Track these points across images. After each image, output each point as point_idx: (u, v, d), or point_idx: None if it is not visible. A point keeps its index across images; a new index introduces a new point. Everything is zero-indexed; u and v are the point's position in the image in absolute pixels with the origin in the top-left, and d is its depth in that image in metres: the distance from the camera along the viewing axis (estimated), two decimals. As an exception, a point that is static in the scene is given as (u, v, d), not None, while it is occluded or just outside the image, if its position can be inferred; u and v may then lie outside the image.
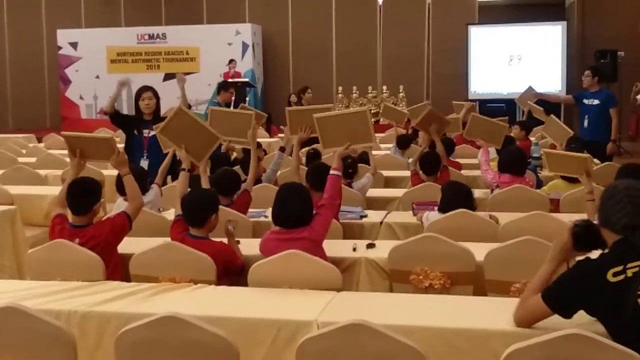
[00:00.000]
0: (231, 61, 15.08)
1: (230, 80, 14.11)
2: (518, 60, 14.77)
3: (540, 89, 11.16)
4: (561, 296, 2.59)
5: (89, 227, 3.98)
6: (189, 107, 6.38)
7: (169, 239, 3.95)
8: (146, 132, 6.35)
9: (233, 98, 12.90)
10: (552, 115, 7.94)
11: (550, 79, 14.47)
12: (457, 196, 4.57)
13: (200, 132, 4.64)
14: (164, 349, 2.55)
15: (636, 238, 2.46)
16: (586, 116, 8.54)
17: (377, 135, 9.85)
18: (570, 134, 7.16)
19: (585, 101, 8.56)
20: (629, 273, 2.42)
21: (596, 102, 8.45)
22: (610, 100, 8.57)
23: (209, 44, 15.56)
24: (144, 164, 6.21)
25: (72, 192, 4.03)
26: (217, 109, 6.39)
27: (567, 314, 2.61)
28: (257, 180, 6.02)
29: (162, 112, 6.54)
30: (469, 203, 4.59)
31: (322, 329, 2.62)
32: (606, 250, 2.61)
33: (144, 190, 4.95)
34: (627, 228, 2.50)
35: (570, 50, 14.72)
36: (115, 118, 6.60)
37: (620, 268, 2.44)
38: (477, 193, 5.89)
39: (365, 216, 5.12)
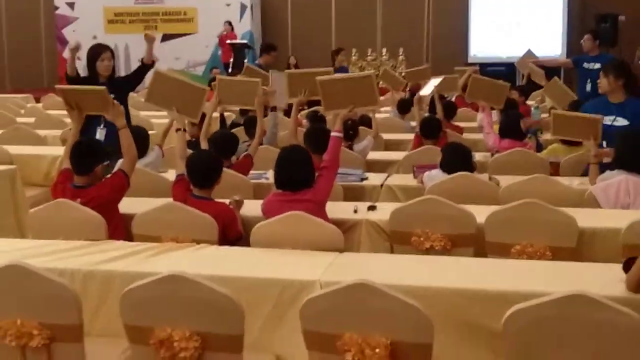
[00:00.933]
0: (227, 22, 14.93)
1: (228, 41, 14.02)
2: (518, 24, 14.66)
3: (540, 52, 11.07)
4: None
5: (91, 188, 3.98)
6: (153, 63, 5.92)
7: (170, 199, 3.95)
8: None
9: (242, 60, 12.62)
10: (555, 78, 7.91)
11: (550, 42, 14.39)
12: (457, 156, 4.61)
13: (186, 89, 4.61)
14: (169, 307, 2.57)
15: None
16: (588, 80, 8.47)
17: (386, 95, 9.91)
18: (572, 97, 7.14)
19: (586, 65, 8.48)
20: None
21: (597, 65, 8.36)
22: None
23: (206, 4, 15.43)
24: (101, 133, 5.47)
25: (75, 152, 4.03)
26: (223, 77, 6.19)
27: None
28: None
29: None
30: (469, 163, 4.62)
31: (325, 289, 2.64)
32: None
33: (145, 150, 4.95)
34: None
35: (571, 14, 14.62)
36: (74, 82, 5.47)
37: None
38: (478, 156, 5.90)
39: (366, 179, 5.12)
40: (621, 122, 5.02)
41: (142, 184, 4.44)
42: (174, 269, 2.61)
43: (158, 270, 2.71)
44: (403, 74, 11.00)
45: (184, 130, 4.46)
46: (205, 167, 3.94)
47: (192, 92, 4.62)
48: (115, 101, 4.21)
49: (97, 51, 5.69)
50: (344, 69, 10.31)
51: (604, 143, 4.85)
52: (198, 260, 3.30)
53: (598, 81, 5.19)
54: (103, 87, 4.31)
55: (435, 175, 4.62)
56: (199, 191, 3.91)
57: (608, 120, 4.97)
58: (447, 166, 4.60)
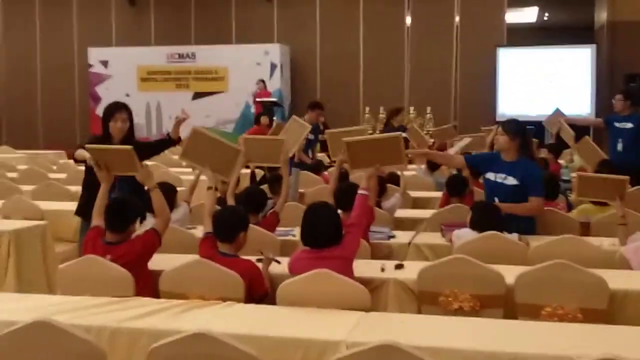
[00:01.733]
0: (261, 81, 15.17)
1: (258, 99, 14.23)
2: (547, 82, 14.70)
3: (569, 111, 11.05)
4: None
5: (122, 245, 4.01)
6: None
7: (197, 256, 3.97)
8: None
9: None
10: (586, 137, 7.87)
11: (579, 101, 14.39)
12: (487, 215, 4.60)
13: (221, 148, 4.66)
14: (194, 366, 2.56)
15: None
16: (619, 140, 8.40)
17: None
18: (603, 157, 7.09)
19: (617, 124, 8.43)
20: None
21: (629, 125, 8.31)
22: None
23: (237, 63, 15.71)
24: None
25: (111, 210, 4.07)
26: (249, 137, 6.13)
27: None
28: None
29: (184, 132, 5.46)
30: (499, 222, 4.58)
31: (351, 349, 2.61)
32: None
33: (173, 206, 4.99)
34: None
35: (600, 74, 14.64)
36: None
37: None
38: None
39: (394, 237, 5.10)
40: (511, 181, 5.07)
41: (170, 240, 4.45)
42: (200, 327, 2.61)
43: (184, 328, 2.71)
44: (430, 132, 11.04)
45: (215, 188, 4.49)
46: (229, 222, 3.96)
47: (227, 151, 4.69)
48: (144, 162, 4.25)
49: (111, 111, 5.11)
50: (402, 128, 10.39)
51: (496, 199, 4.98)
52: (224, 318, 3.29)
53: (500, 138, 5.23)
54: (130, 147, 4.30)
55: (464, 234, 4.59)
56: (225, 247, 3.92)
57: (499, 178, 5.10)
58: (477, 225, 4.57)
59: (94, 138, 5.14)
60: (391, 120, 10.71)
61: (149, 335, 3.07)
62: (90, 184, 4.72)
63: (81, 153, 4.69)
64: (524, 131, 5.27)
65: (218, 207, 4.39)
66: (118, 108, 5.12)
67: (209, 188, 4.43)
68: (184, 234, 4.76)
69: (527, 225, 5.00)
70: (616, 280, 3.66)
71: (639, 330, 2.97)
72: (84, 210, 4.84)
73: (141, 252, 4.01)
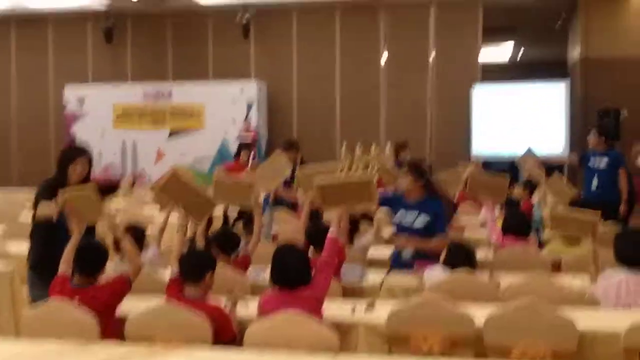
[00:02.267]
0: (246, 118, 15.18)
1: (240, 141, 14.22)
2: (520, 120, 14.83)
3: (543, 148, 11.18)
4: None
5: (90, 287, 3.96)
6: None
7: (164, 299, 3.91)
8: None
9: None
10: (556, 173, 7.93)
11: (553, 137, 14.52)
12: (461, 253, 4.62)
13: (198, 195, 4.62)
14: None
15: None
16: (595, 176, 8.44)
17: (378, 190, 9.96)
18: (573, 193, 7.13)
19: (592, 161, 8.48)
20: None
21: (604, 161, 8.37)
22: (619, 160, 8.49)
23: (214, 100, 15.72)
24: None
25: (83, 254, 4.02)
26: (220, 180, 6.03)
27: None
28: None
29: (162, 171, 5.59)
30: (472, 261, 4.59)
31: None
32: None
33: (141, 247, 4.94)
34: None
35: (573, 109, 14.80)
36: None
37: None
38: (480, 253, 5.86)
39: (366, 275, 5.07)
40: (418, 220, 5.35)
41: (137, 281, 4.39)
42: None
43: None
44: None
45: (186, 229, 4.43)
46: (195, 262, 3.91)
47: (203, 200, 4.63)
48: (109, 212, 4.17)
49: (72, 155, 4.85)
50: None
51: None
52: (189, 364, 3.24)
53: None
54: (92, 184, 4.22)
55: (435, 272, 4.58)
56: (192, 290, 3.86)
57: (408, 216, 5.40)
58: (450, 263, 4.58)
59: (48, 183, 4.84)
60: (398, 156, 10.81)
61: (112, 382, 3.01)
62: (49, 239, 4.48)
63: (45, 211, 4.38)
64: (424, 172, 5.69)
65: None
66: (80, 152, 4.88)
67: (179, 230, 4.36)
68: (151, 276, 4.69)
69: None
70: (586, 320, 3.66)
71: (608, 371, 2.94)
72: (39, 266, 4.62)
73: (110, 298, 3.95)
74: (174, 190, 4.59)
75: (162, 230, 5.54)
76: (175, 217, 4.77)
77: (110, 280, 4.07)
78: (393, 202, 5.65)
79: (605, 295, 4.14)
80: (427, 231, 5.31)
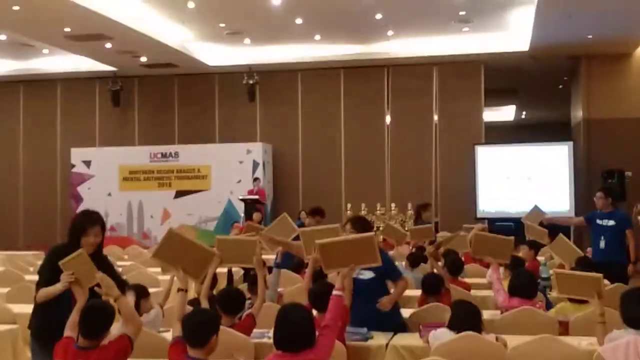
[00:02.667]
0: (255, 179, 15.30)
1: (240, 197, 14.28)
2: (526, 179, 14.89)
3: (548, 208, 11.15)
4: None
5: (94, 350, 3.92)
6: None
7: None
8: None
9: (242, 215, 13.07)
10: (560, 234, 7.91)
11: (558, 198, 14.54)
12: (466, 314, 4.54)
13: (195, 251, 4.60)
14: None
15: None
16: (602, 237, 8.44)
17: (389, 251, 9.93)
18: (579, 254, 7.10)
19: (599, 222, 8.49)
20: None
21: (611, 222, 8.37)
22: (626, 221, 8.51)
23: (220, 162, 15.87)
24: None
25: (87, 315, 3.98)
26: (222, 237, 6.04)
27: None
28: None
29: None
30: (477, 322, 4.52)
31: None
32: None
33: (143, 309, 4.91)
34: None
35: (577, 170, 14.87)
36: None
37: None
38: (486, 314, 5.80)
39: (371, 337, 5.01)
40: (368, 274, 5.20)
41: (140, 344, 4.34)
42: None
43: None
44: (407, 229, 11.11)
45: (186, 290, 4.41)
46: (200, 325, 3.86)
47: (201, 253, 4.62)
48: (101, 273, 4.10)
49: (83, 226, 4.58)
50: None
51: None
52: None
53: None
54: (80, 251, 4.17)
55: (441, 335, 4.52)
56: (195, 352, 3.81)
57: (361, 274, 5.18)
58: (455, 324, 4.51)
59: (59, 251, 4.55)
60: (421, 216, 10.83)
61: None
62: (51, 305, 4.37)
63: (48, 293, 4.34)
64: (370, 227, 5.58)
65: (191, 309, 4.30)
66: (92, 222, 4.61)
67: (180, 290, 4.33)
68: (154, 338, 4.64)
69: (396, 320, 5.30)
70: (594, 382, 3.60)
71: None
72: (41, 331, 4.52)
73: (115, 358, 3.90)
74: (172, 250, 4.55)
75: (167, 292, 5.51)
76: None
77: (113, 340, 4.02)
78: None
79: (614, 357, 4.07)
80: (379, 285, 5.28)
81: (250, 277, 6.28)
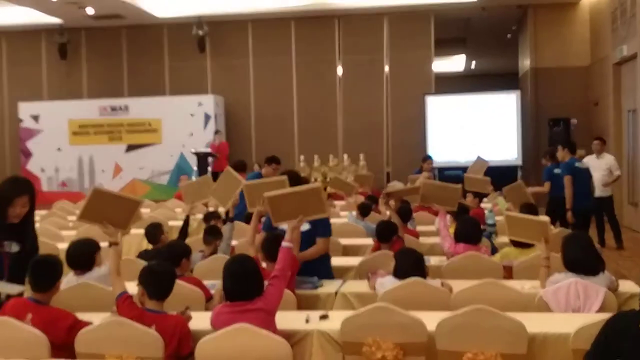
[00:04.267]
0: (217, 132, 15.17)
1: (192, 151, 14.17)
2: (474, 129, 15.07)
3: (496, 156, 11.42)
4: (601, 354, 2.58)
5: (47, 307, 3.90)
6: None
7: (115, 316, 3.86)
8: (8, 246, 4.32)
9: (195, 168, 12.99)
10: (520, 181, 8.19)
11: (506, 146, 14.78)
12: (409, 262, 4.62)
13: (120, 203, 4.50)
14: None
15: None
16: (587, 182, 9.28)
17: (337, 202, 10.04)
18: (529, 201, 7.27)
19: (556, 171, 9.21)
20: None
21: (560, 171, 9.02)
22: (563, 169, 9.14)
23: (171, 115, 15.67)
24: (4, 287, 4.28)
25: (35, 270, 3.96)
26: (250, 183, 5.83)
27: None
28: (215, 252, 6.02)
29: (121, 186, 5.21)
30: (421, 269, 4.62)
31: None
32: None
33: (91, 265, 4.87)
34: None
35: (525, 118, 15.09)
36: None
37: None
38: (434, 260, 5.93)
39: (321, 286, 5.08)
40: (304, 227, 5.05)
41: (91, 298, 4.36)
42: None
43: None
44: (351, 179, 11.30)
45: (117, 243, 4.33)
46: (163, 278, 3.88)
47: (127, 204, 4.50)
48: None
49: (9, 196, 4.27)
50: (419, 172, 10.75)
51: None
52: (140, 379, 3.21)
53: None
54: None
55: (386, 282, 4.61)
56: (153, 304, 3.83)
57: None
58: (399, 272, 4.60)
59: None
60: (422, 168, 10.93)
61: (61, 399, 2.97)
62: None
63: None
64: (304, 181, 5.69)
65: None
66: (18, 191, 4.31)
67: (112, 244, 4.23)
68: (104, 292, 4.61)
69: (325, 270, 5.34)
70: (535, 323, 3.71)
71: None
72: None
73: (65, 335, 3.82)
74: (97, 208, 4.41)
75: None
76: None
77: (73, 321, 3.94)
78: None
79: (556, 299, 4.21)
80: (311, 237, 5.27)
81: (206, 228, 6.30)
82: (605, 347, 2.58)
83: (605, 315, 2.76)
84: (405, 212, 7.06)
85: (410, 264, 4.59)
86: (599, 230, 10.06)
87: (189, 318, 3.97)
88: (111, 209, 4.36)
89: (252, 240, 5.28)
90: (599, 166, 10.17)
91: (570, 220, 8.87)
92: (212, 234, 6.12)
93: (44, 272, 3.98)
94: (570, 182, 9.05)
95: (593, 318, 3.55)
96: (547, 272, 4.62)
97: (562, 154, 9.42)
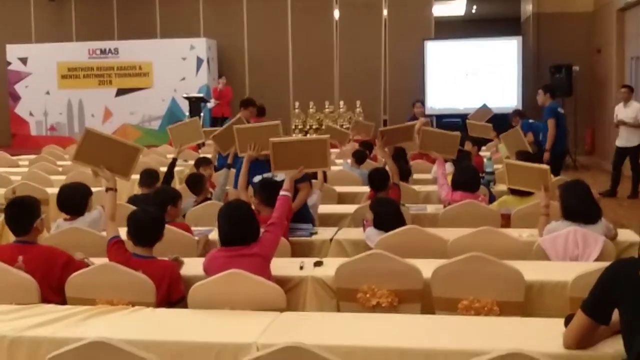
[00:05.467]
0: (221, 76, 15.00)
1: (184, 95, 13.98)
2: (474, 75, 14.87)
3: (496, 104, 11.28)
4: (599, 301, 2.54)
5: (37, 246, 3.83)
6: None
7: (106, 260, 3.79)
8: None
9: (187, 114, 12.81)
10: (517, 127, 8.09)
11: (506, 93, 14.61)
12: (388, 212, 4.63)
13: (118, 148, 4.39)
14: (92, 376, 2.43)
15: None
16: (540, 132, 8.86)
17: (331, 150, 9.96)
18: (525, 148, 7.17)
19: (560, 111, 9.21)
20: None
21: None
22: (546, 113, 9.08)
23: (162, 58, 15.42)
24: None
25: (9, 213, 3.89)
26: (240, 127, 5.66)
27: (607, 319, 2.58)
28: (207, 198, 5.94)
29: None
30: (400, 218, 4.61)
31: (259, 352, 2.52)
32: None
33: (82, 209, 4.80)
34: None
35: (526, 65, 14.89)
36: None
37: None
38: (430, 208, 5.88)
39: (316, 233, 5.02)
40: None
41: (81, 243, 4.29)
42: (104, 334, 2.48)
43: (87, 336, 2.57)
44: (347, 127, 11.25)
45: (115, 189, 4.24)
46: (147, 224, 3.80)
47: (125, 150, 4.40)
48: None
49: None
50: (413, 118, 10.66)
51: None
52: (131, 324, 3.15)
53: None
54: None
55: (370, 234, 4.56)
56: (140, 250, 3.76)
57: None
58: (378, 223, 4.57)
59: None
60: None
61: (49, 343, 2.93)
62: None
63: None
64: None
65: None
66: None
67: (108, 189, 4.15)
68: (96, 237, 4.55)
69: (310, 216, 5.33)
70: (533, 271, 3.66)
71: (555, 322, 2.93)
72: None
73: (61, 272, 3.76)
74: (94, 150, 4.30)
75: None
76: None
77: (66, 259, 3.87)
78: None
79: (554, 248, 4.15)
80: None
81: (191, 176, 6.22)
82: (603, 295, 2.53)
83: (604, 264, 2.71)
84: (403, 172, 6.93)
85: (389, 214, 4.57)
86: (615, 181, 9.99)
87: (181, 263, 3.91)
88: (108, 153, 4.27)
89: (243, 185, 5.21)
90: (626, 115, 9.97)
91: (545, 161, 8.73)
92: (198, 182, 6.05)
93: (18, 213, 3.89)
94: (554, 125, 9.00)
95: (591, 266, 3.51)
96: (545, 220, 4.55)
97: (543, 98, 9.32)
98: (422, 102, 11.32)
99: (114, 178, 4.21)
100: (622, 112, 9.97)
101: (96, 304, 3.46)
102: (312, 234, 5.00)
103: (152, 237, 3.80)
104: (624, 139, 9.90)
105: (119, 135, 14.75)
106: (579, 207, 4.28)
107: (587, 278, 3.23)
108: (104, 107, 15.69)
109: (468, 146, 7.89)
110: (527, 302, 3.52)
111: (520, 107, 14.20)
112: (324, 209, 5.93)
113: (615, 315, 2.54)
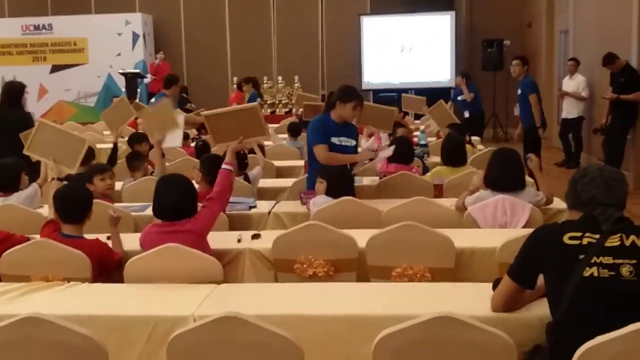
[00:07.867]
0: (159, 51, 14.75)
1: (120, 71, 13.74)
2: (409, 50, 15.01)
3: (430, 78, 11.40)
4: (524, 267, 2.63)
5: None
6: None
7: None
8: None
9: (123, 90, 12.65)
10: (441, 100, 8.20)
11: (440, 68, 14.80)
12: (341, 181, 4.73)
13: (66, 139, 4.48)
14: (27, 351, 2.43)
15: (602, 215, 2.51)
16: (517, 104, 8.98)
17: (272, 125, 9.97)
18: (453, 121, 7.34)
19: (519, 91, 8.86)
20: (585, 241, 2.47)
21: (519, 90, 8.75)
22: (526, 87, 8.77)
23: (97, 34, 15.09)
24: None
25: None
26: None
27: (531, 283, 2.66)
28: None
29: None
30: (352, 188, 4.70)
31: (196, 323, 2.55)
32: None
33: (15, 186, 4.74)
34: (596, 204, 2.54)
35: (459, 40, 15.09)
36: None
37: (578, 234, 2.49)
38: (366, 181, 5.96)
39: (255, 206, 5.06)
40: (346, 142, 5.29)
41: (14, 219, 4.24)
42: (36, 310, 2.47)
43: (20, 312, 2.56)
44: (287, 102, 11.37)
45: (59, 179, 4.28)
46: (74, 202, 3.77)
47: (73, 142, 4.49)
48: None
49: None
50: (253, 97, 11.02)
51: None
52: (66, 300, 3.14)
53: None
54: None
55: (319, 202, 4.62)
56: (68, 229, 3.73)
57: (337, 140, 5.23)
58: (332, 191, 4.63)
59: None
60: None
61: (-17, 321, 2.89)
62: None
63: None
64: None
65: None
66: None
67: (53, 179, 4.22)
68: (30, 214, 4.50)
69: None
70: (463, 238, 3.78)
71: (484, 286, 3.03)
72: None
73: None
74: (43, 142, 4.43)
75: (44, 174, 5.30)
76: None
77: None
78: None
79: (483, 216, 4.28)
80: None
81: (130, 154, 6.19)
82: (528, 260, 2.63)
83: (530, 231, 2.82)
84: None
85: (342, 183, 4.63)
86: (567, 151, 10.25)
87: (118, 218, 3.89)
88: (57, 144, 4.35)
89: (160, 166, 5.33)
90: (570, 87, 10.17)
91: (540, 135, 8.74)
92: (136, 159, 6.03)
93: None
94: (537, 100, 8.64)
95: (518, 233, 3.62)
96: (468, 193, 4.63)
97: (520, 69, 8.89)
98: (464, 75, 11.29)
99: (60, 169, 4.32)
100: (567, 84, 10.23)
101: (31, 280, 3.44)
102: (251, 207, 5.03)
103: (79, 214, 3.76)
104: (565, 111, 10.18)
105: (55, 113, 14.54)
106: (503, 178, 4.39)
107: (514, 244, 3.34)
108: (39, 84, 15.30)
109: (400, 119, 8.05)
110: (458, 268, 3.64)
111: (453, 83, 14.43)
112: (263, 182, 5.96)
113: (541, 279, 2.65)
